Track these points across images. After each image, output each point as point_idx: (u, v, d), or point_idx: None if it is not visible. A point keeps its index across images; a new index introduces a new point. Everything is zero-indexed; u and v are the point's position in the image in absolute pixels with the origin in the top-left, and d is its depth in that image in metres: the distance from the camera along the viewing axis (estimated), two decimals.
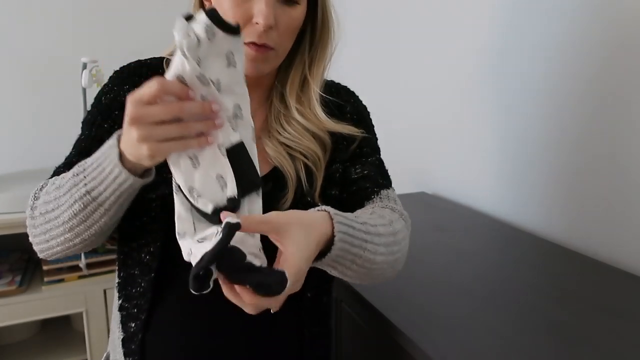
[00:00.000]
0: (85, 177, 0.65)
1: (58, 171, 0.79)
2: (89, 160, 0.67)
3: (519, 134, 1.29)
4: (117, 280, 0.82)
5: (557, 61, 1.17)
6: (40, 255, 0.75)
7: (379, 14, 1.86)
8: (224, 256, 0.55)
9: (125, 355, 0.77)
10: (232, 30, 0.61)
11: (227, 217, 0.56)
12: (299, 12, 0.76)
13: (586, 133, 1.11)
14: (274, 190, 0.75)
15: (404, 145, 1.75)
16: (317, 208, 0.66)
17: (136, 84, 0.80)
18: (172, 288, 0.76)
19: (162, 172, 0.67)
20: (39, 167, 1.68)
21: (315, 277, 0.71)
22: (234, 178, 0.61)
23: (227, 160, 0.61)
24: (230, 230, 0.54)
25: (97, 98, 0.82)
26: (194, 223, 0.62)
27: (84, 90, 1.61)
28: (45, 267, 1.69)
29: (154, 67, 0.83)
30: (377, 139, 0.91)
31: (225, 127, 0.61)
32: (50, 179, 0.76)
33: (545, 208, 1.23)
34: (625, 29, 1.02)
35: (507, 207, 1.35)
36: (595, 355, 0.73)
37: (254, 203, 0.64)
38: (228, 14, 0.73)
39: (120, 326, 0.78)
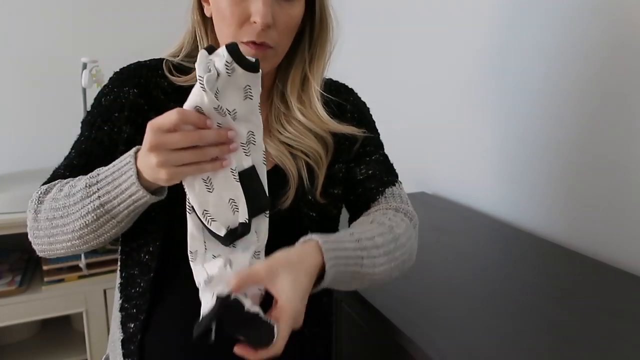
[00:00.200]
0: (99, 189, 0.68)
1: (58, 172, 0.79)
2: (102, 172, 0.69)
3: (519, 134, 1.29)
4: (118, 281, 0.82)
5: (557, 61, 1.17)
6: (40, 254, 0.77)
7: (378, 13, 1.86)
8: (223, 318, 0.58)
9: (124, 356, 0.77)
10: (251, 67, 0.64)
11: (216, 291, 0.59)
12: (296, 10, 0.76)
13: (586, 133, 1.11)
14: (275, 188, 0.75)
15: (404, 145, 1.75)
16: (304, 238, 0.67)
17: (136, 85, 0.81)
18: (172, 288, 0.76)
19: None
20: (39, 167, 1.68)
21: None
22: (245, 202, 0.65)
23: (239, 184, 0.64)
24: (222, 303, 0.58)
25: (97, 99, 0.82)
26: (205, 242, 0.66)
27: (84, 90, 1.61)
28: (45, 267, 1.69)
29: (154, 68, 0.83)
30: (379, 134, 0.91)
31: (238, 152, 0.65)
32: (53, 183, 0.76)
33: (545, 208, 1.23)
34: (625, 29, 1.02)
35: (507, 207, 1.35)
36: (595, 355, 0.73)
37: (261, 224, 0.68)
38: (226, 13, 0.73)
39: (120, 327, 0.78)
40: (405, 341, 0.78)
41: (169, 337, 0.76)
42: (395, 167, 0.90)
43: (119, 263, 0.83)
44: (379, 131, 0.91)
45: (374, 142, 0.88)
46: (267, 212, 0.69)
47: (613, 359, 0.73)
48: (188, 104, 0.62)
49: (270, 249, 0.71)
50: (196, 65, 0.61)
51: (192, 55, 0.84)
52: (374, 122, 0.91)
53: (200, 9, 0.81)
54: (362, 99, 0.93)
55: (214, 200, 0.65)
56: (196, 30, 0.82)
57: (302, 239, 0.67)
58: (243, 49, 0.70)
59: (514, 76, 1.29)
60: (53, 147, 1.18)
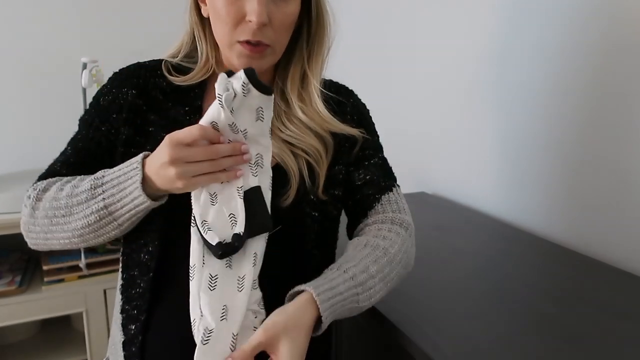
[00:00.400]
0: (104, 191, 0.70)
1: (54, 168, 0.80)
2: (107, 174, 0.71)
3: (519, 134, 1.29)
4: (120, 282, 0.82)
5: (557, 61, 1.17)
6: (32, 247, 0.79)
7: (378, 13, 1.86)
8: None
9: (126, 358, 0.77)
10: (266, 90, 0.71)
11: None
12: (292, 7, 0.76)
13: (586, 133, 1.11)
14: (276, 186, 0.76)
15: (404, 145, 1.75)
16: (297, 288, 0.68)
17: (134, 86, 0.81)
18: (172, 288, 0.76)
19: None
20: (39, 167, 1.66)
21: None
22: (244, 220, 0.68)
23: (242, 201, 0.69)
24: None
25: (96, 98, 0.83)
26: (203, 257, 0.69)
27: (84, 90, 1.60)
28: (45, 267, 1.69)
29: (152, 68, 0.83)
30: (378, 136, 0.91)
31: (246, 172, 0.70)
32: (52, 180, 0.77)
33: (545, 208, 1.23)
34: (625, 29, 1.02)
35: (507, 207, 1.35)
36: (594, 355, 0.73)
37: (258, 245, 0.70)
38: (221, 13, 0.73)
39: (121, 329, 0.78)
40: (405, 341, 0.78)
41: (170, 337, 0.76)
42: (394, 169, 0.90)
43: (120, 265, 0.83)
44: (378, 133, 0.91)
45: (373, 145, 0.88)
46: (267, 235, 0.71)
47: (613, 358, 0.73)
48: (205, 120, 0.67)
49: (272, 249, 0.72)
50: (216, 85, 0.67)
51: (190, 56, 0.85)
52: (373, 124, 0.91)
53: (198, 9, 0.81)
54: (362, 100, 0.93)
55: (214, 212, 0.69)
56: (194, 30, 0.83)
57: (296, 288, 0.68)
58: (239, 49, 0.74)
59: (514, 76, 1.29)
60: (53, 147, 1.18)
